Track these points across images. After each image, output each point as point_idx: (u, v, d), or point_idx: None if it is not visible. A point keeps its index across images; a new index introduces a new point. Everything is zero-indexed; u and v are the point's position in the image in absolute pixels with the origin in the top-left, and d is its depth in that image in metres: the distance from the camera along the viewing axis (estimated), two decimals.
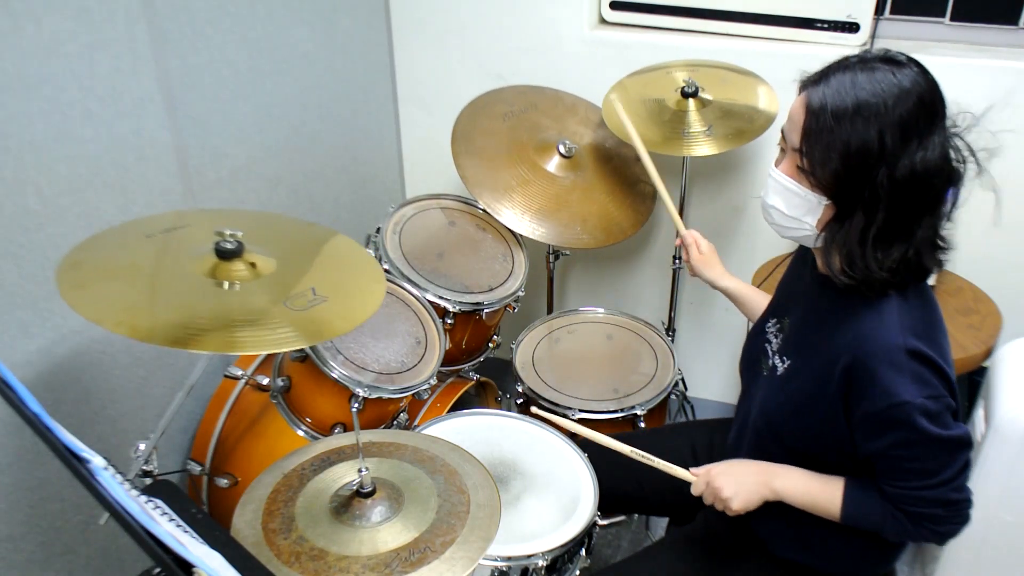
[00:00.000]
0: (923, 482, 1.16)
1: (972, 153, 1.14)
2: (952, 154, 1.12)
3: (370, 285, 1.27)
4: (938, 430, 1.11)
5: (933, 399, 1.11)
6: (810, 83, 1.14)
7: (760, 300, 1.57)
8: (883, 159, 1.07)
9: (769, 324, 1.39)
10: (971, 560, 1.77)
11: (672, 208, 1.76)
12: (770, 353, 1.35)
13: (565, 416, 1.75)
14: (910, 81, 1.08)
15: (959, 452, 1.15)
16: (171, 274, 1.15)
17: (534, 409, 1.56)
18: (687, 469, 1.35)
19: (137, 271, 1.14)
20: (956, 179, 1.13)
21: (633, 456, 1.36)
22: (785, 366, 1.29)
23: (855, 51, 1.17)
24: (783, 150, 1.20)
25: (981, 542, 1.72)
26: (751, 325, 1.53)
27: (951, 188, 1.13)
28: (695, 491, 1.33)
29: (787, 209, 1.18)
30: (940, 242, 1.15)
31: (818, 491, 1.25)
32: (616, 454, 1.38)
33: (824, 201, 1.14)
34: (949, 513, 1.18)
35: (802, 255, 1.39)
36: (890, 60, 1.10)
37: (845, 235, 1.12)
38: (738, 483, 1.28)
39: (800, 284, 1.34)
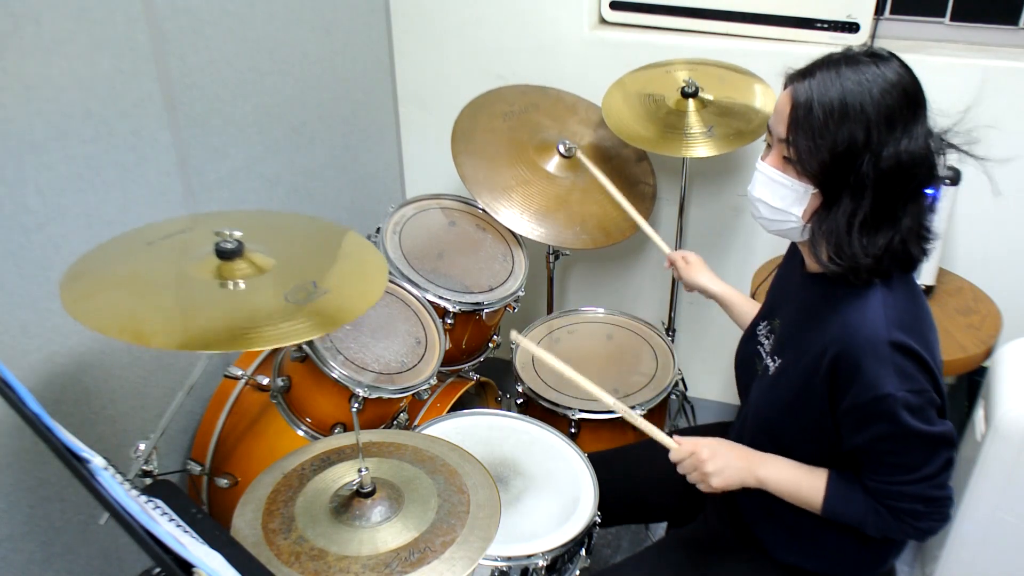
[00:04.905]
0: (904, 477, 1.16)
1: (957, 149, 1.16)
2: (934, 145, 1.13)
3: (372, 273, 1.27)
4: (920, 425, 1.12)
5: (915, 393, 1.11)
6: (796, 77, 1.15)
7: (749, 307, 1.59)
8: (869, 147, 1.08)
9: (760, 327, 1.40)
10: (971, 560, 1.77)
11: (654, 235, 1.81)
12: (763, 355, 1.35)
13: (565, 417, 1.76)
14: (894, 73, 1.10)
15: (941, 449, 1.15)
16: (176, 278, 1.16)
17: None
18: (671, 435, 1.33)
19: (141, 278, 1.14)
20: (936, 173, 1.14)
21: (616, 408, 1.36)
22: (776, 365, 1.30)
23: None
24: (769, 144, 1.21)
25: (981, 542, 1.72)
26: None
27: (933, 184, 1.14)
28: (673, 458, 1.30)
29: (773, 201, 1.19)
30: (925, 232, 1.16)
31: (801, 481, 1.25)
32: (614, 462, 1.39)
33: (811, 190, 1.15)
34: (929, 509, 1.18)
35: (791, 256, 1.40)
36: (874, 55, 1.13)
37: (832, 222, 1.13)
38: (724, 462, 1.27)
39: (790, 284, 1.35)
